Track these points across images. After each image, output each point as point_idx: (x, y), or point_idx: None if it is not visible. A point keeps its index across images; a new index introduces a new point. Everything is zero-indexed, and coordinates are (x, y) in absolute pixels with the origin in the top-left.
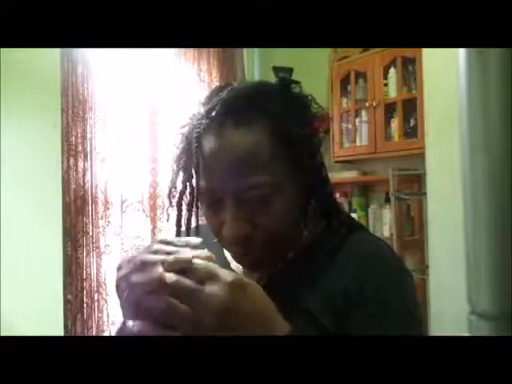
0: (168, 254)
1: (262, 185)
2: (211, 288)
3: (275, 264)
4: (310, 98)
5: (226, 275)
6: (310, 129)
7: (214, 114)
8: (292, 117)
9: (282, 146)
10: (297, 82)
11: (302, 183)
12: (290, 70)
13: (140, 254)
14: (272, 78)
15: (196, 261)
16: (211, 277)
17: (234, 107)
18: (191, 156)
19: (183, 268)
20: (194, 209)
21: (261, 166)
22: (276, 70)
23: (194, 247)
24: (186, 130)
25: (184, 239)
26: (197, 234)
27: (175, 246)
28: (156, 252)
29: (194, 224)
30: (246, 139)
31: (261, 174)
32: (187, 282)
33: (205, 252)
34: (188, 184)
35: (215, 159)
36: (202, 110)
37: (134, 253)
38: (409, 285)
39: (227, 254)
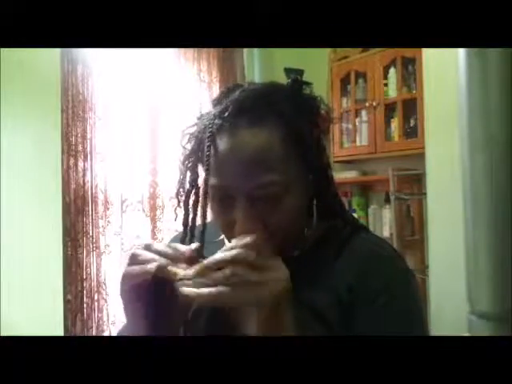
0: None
1: (274, 183)
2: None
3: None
4: (319, 99)
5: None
6: (318, 129)
7: (226, 114)
8: (302, 117)
9: (293, 146)
10: (309, 84)
11: (310, 183)
12: (301, 72)
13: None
14: (273, 79)
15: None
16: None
17: (246, 107)
18: (200, 156)
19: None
20: (200, 208)
21: (273, 164)
22: (288, 71)
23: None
24: (194, 129)
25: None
26: (202, 233)
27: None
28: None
29: (198, 223)
30: (259, 138)
31: (273, 172)
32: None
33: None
34: (195, 184)
35: (228, 158)
36: (213, 110)
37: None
38: (413, 286)
39: None
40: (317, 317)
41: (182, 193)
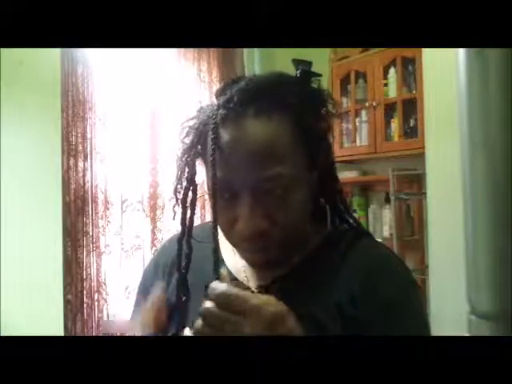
0: None
1: (281, 177)
2: (252, 321)
3: (282, 266)
4: (326, 93)
5: (267, 306)
6: (325, 124)
7: (232, 104)
8: (310, 110)
9: (301, 138)
10: (318, 75)
11: (316, 179)
12: (310, 63)
13: None
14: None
15: (234, 291)
16: (252, 310)
17: (254, 97)
18: (200, 150)
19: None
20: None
21: (280, 157)
22: (296, 62)
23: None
24: (193, 122)
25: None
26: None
27: None
28: None
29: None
30: (267, 128)
31: (280, 165)
32: (225, 313)
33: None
34: (193, 180)
35: (233, 150)
36: (217, 101)
37: None
38: (419, 297)
39: (225, 253)
40: (319, 329)
41: (180, 189)
